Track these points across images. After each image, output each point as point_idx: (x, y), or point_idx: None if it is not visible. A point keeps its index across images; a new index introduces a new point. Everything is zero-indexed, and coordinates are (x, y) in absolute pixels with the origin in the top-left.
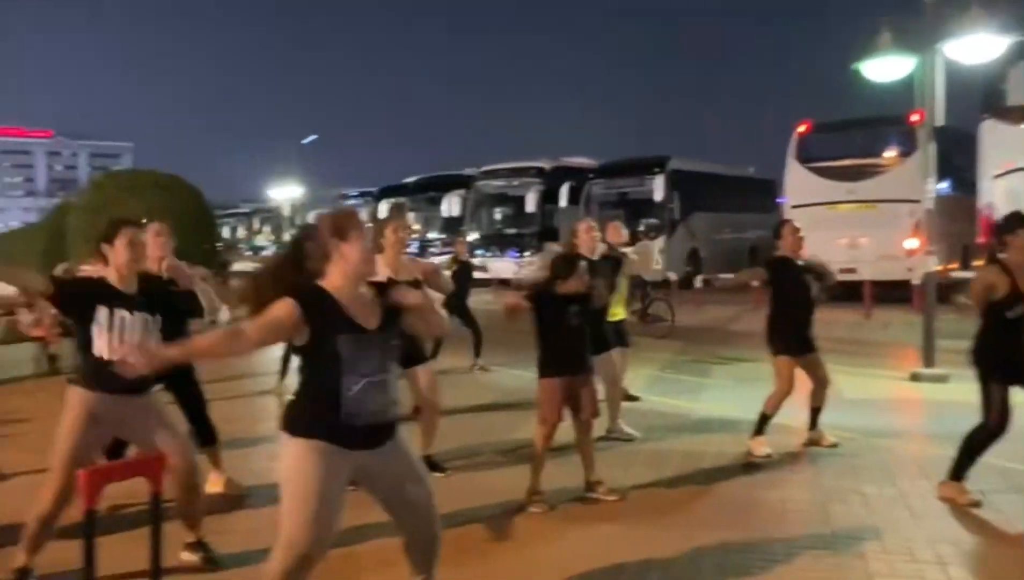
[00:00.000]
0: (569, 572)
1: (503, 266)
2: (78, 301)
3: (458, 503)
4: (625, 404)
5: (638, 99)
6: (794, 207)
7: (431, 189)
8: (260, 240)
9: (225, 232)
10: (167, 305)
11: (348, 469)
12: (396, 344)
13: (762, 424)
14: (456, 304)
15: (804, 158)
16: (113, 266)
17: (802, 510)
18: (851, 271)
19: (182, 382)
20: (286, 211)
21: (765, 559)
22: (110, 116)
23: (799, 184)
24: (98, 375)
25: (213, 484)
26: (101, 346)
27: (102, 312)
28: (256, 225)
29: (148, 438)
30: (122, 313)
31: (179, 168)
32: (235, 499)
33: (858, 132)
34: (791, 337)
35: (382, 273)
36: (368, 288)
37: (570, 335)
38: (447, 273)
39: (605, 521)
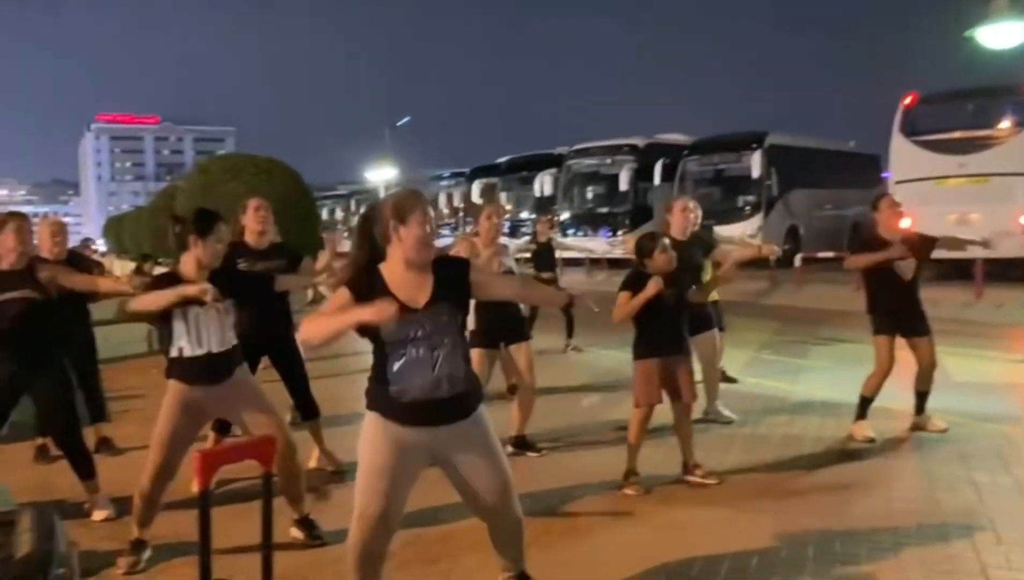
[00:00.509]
0: (664, 556)
1: (595, 245)
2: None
3: (552, 483)
4: (723, 386)
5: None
6: (898, 182)
7: (523, 169)
8: (356, 222)
9: (323, 214)
10: (238, 286)
11: (416, 446)
12: (449, 321)
13: (863, 407)
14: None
15: (910, 131)
16: (192, 257)
17: (909, 498)
18: (960, 249)
19: (287, 360)
20: (381, 193)
21: (871, 548)
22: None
23: (905, 158)
24: (183, 370)
25: (314, 460)
26: (182, 342)
27: (176, 309)
28: (353, 207)
29: (243, 419)
30: (194, 308)
31: (279, 151)
32: (335, 475)
33: (969, 103)
34: (891, 315)
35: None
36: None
37: (666, 316)
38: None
39: (704, 505)
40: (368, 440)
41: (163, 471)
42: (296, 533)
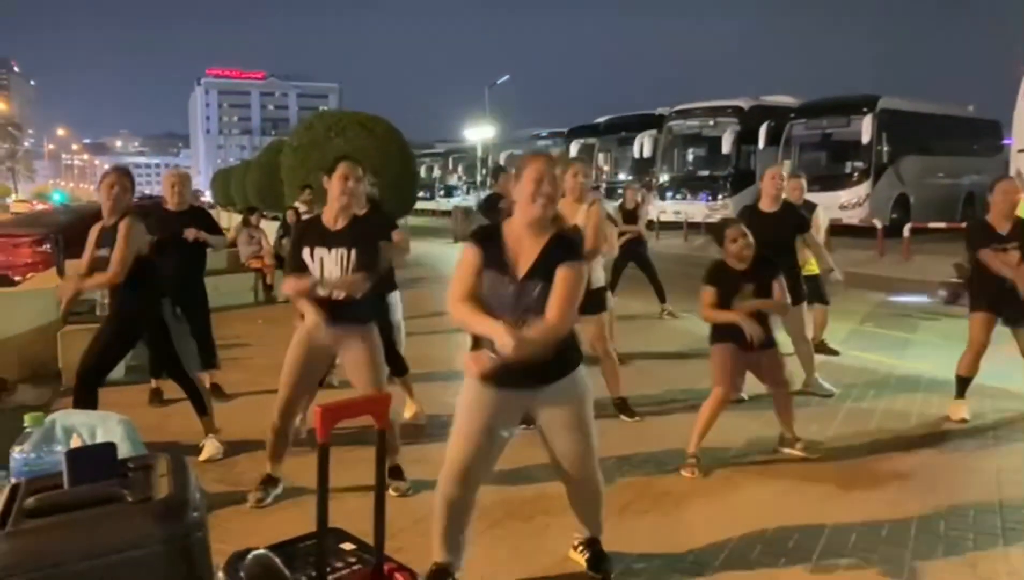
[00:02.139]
0: (759, 527)
1: (694, 209)
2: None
3: (647, 447)
4: (823, 358)
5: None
6: (1021, 151)
7: (622, 129)
8: (453, 180)
9: (422, 172)
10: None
11: (508, 408)
12: (539, 295)
13: (962, 387)
14: (632, 250)
15: None
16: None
17: (1020, 481)
18: None
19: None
20: (479, 152)
21: (978, 532)
22: (317, 58)
23: None
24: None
25: (405, 410)
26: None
27: (305, 252)
28: (451, 165)
29: (353, 370)
30: (321, 251)
31: (380, 108)
32: (422, 428)
33: None
34: (991, 295)
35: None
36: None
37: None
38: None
39: (802, 479)
40: (464, 398)
41: (291, 406)
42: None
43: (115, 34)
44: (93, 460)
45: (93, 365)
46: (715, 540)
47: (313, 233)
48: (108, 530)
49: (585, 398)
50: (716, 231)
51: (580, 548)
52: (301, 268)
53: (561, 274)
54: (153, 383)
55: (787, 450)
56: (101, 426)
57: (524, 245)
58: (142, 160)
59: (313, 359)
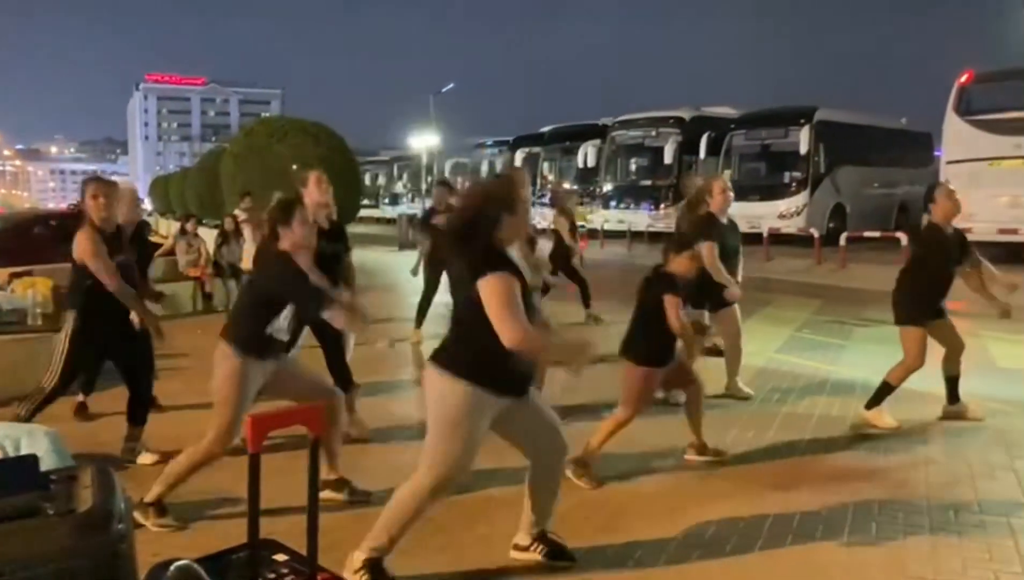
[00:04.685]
0: (697, 530)
1: (637, 218)
2: None
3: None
4: (760, 364)
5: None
6: (950, 163)
7: (567, 139)
8: (398, 188)
9: (366, 180)
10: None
11: (493, 412)
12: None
13: (882, 394)
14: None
15: (965, 110)
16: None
17: (948, 483)
18: (1012, 232)
19: (329, 332)
20: (424, 159)
21: (908, 532)
22: (259, 63)
23: (958, 138)
24: (262, 347)
25: (346, 426)
26: (279, 326)
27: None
28: (395, 173)
29: (293, 384)
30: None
31: (323, 115)
32: (362, 441)
33: None
34: (921, 307)
35: None
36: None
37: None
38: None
39: (742, 483)
40: (466, 406)
41: (227, 436)
42: (331, 494)
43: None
44: (13, 473)
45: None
46: (655, 543)
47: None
48: (28, 543)
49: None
50: (673, 246)
51: (534, 546)
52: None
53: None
54: (80, 397)
55: (687, 456)
56: (26, 438)
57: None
58: (79, 166)
59: (251, 393)
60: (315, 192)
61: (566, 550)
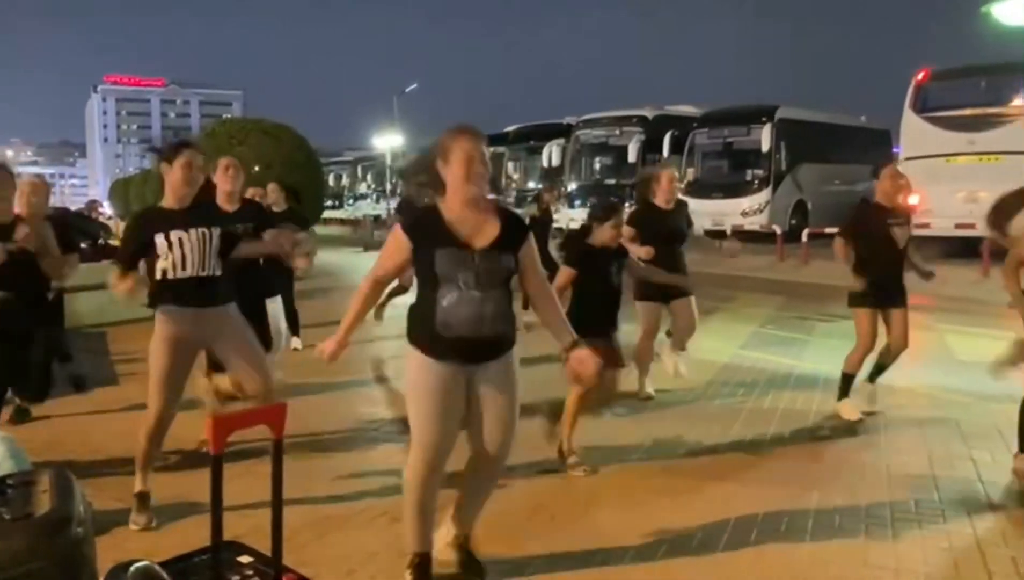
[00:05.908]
0: (666, 527)
1: None
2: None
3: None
4: (725, 360)
5: (746, 43)
6: (908, 159)
7: (531, 138)
8: (362, 188)
9: (330, 180)
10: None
11: (456, 381)
12: (503, 268)
13: (846, 385)
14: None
15: (921, 108)
16: (169, 189)
17: (909, 474)
18: (969, 227)
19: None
20: (388, 160)
21: (870, 523)
22: (220, 64)
23: (915, 135)
24: (171, 293)
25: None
26: (165, 264)
27: (159, 238)
28: (359, 173)
29: (231, 356)
30: (179, 233)
31: (286, 116)
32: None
33: (981, 80)
34: (871, 287)
35: None
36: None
37: (610, 296)
38: None
39: (706, 478)
40: (412, 377)
41: (163, 424)
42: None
43: (2, 38)
44: None
45: None
46: (621, 539)
47: None
48: None
49: (517, 384)
50: (599, 210)
51: (451, 546)
52: None
53: (530, 251)
54: (17, 400)
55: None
56: None
57: (471, 221)
58: (36, 169)
59: (181, 360)
60: (222, 180)
61: (477, 565)
